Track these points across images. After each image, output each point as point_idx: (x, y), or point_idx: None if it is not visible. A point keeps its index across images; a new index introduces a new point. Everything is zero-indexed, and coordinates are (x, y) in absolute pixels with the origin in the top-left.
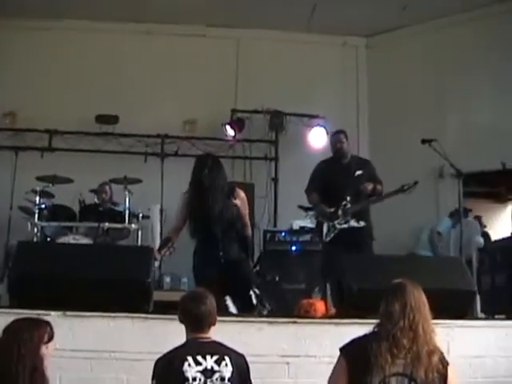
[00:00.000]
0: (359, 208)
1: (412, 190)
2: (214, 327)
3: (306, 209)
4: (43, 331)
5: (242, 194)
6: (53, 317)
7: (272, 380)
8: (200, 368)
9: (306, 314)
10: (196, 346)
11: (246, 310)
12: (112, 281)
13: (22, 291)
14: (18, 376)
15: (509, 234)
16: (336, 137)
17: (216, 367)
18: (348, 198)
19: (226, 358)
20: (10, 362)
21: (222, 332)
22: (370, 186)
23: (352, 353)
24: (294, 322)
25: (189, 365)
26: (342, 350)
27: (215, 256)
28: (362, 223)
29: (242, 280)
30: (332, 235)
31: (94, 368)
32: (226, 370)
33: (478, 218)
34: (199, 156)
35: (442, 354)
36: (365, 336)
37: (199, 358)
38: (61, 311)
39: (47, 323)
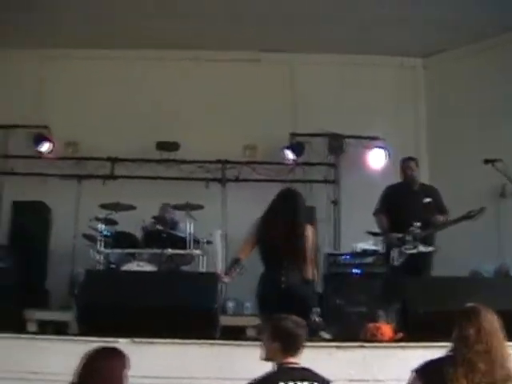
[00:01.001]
0: (428, 234)
1: (479, 217)
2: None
3: (375, 234)
4: (123, 357)
5: (309, 231)
6: (121, 344)
7: None
8: None
9: (373, 338)
10: (288, 372)
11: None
12: (179, 307)
13: (90, 319)
14: None
15: None
16: (407, 164)
17: None
18: (417, 224)
19: None
20: None
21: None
22: (440, 219)
23: (428, 375)
24: (362, 346)
25: None
26: (417, 371)
27: (277, 281)
28: (430, 248)
29: (301, 305)
30: (401, 260)
31: None
32: None
33: None
34: (282, 189)
35: None
36: (440, 359)
37: None
38: (129, 338)
39: (122, 352)
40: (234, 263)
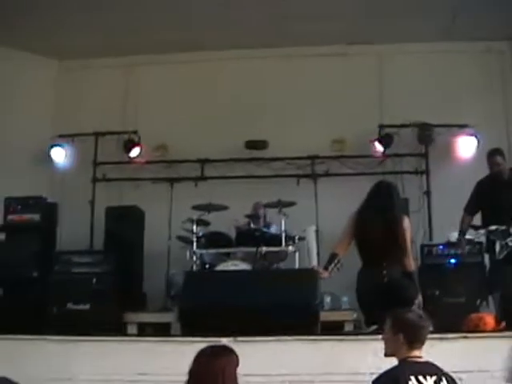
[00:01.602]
0: None
1: None
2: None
3: (477, 227)
4: (234, 355)
5: (406, 223)
6: (224, 343)
7: None
8: None
9: (476, 328)
10: (415, 366)
11: None
12: (280, 305)
13: (192, 319)
14: None
15: None
16: (493, 159)
17: None
18: None
19: (443, 379)
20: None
21: None
22: None
23: None
24: (465, 337)
25: None
26: None
27: (378, 276)
28: None
29: (403, 298)
30: (505, 252)
31: None
32: None
33: None
34: (377, 182)
35: None
36: None
37: (421, 377)
38: (231, 337)
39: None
40: (331, 259)
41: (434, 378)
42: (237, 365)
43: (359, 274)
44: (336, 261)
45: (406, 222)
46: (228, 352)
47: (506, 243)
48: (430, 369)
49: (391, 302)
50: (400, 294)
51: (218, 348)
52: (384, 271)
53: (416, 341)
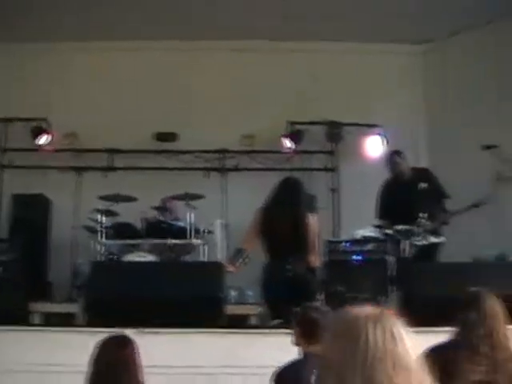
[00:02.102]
0: (437, 225)
1: (485, 205)
2: None
3: (379, 227)
4: (135, 345)
5: (312, 219)
6: (128, 334)
7: None
8: None
9: None
10: (312, 360)
11: None
12: (185, 297)
13: (97, 310)
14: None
15: None
16: (392, 160)
17: None
18: (424, 215)
19: None
20: (114, 374)
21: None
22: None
23: (432, 361)
24: None
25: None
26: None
27: (283, 270)
28: (442, 238)
29: (306, 293)
30: (412, 252)
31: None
32: None
33: None
34: (284, 178)
35: None
36: (444, 344)
37: None
38: (136, 328)
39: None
40: (237, 253)
41: None
42: (138, 354)
43: (264, 267)
44: (244, 255)
45: (312, 218)
46: (131, 341)
47: (413, 242)
48: None
49: (295, 297)
50: (303, 289)
51: (117, 338)
52: (289, 266)
53: (315, 335)
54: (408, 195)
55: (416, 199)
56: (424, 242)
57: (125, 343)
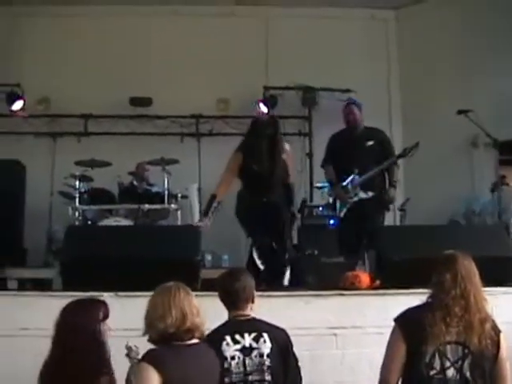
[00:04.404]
0: (367, 178)
1: (414, 152)
2: (253, 304)
3: (319, 188)
4: (97, 309)
5: (288, 148)
6: (105, 298)
7: (320, 352)
8: (238, 346)
9: (352, 286)
10: (234, 325)
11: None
12: (161, 260)
13: (74, 274)
14: (79, 351)
15: None
16: (348, 108)
17: (254, 344)
18: (356, 171)
19: (265, 335)
20: (70, 340)
21: (269, 307)
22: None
23: (407, 323)
24: (341, 295)
25: (227, 344)
26: (396, 320)
27: (259, 199)
28: (370, 193)
29: (280, 224)
30: (344, 210)
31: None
32: (265, 346)
33: None
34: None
35: (493, 321)
36: (418, 306)
37: (237, 336)
38: (113, 292)
39: (102, 302)
40: (210, 201)
41: (254, 334)
42: (98, 316)
43: (239, 194)
44: (215, 203)
45: (288, 148)
46: (90, 306)
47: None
48: (250, 326)
49: (269, 222)
50: (278, 221)
51: (79, 303)
52: (265, 193)
53: (229, 302)
54: (352, 150)
55: (357, 155)
56: (355, 199)
57: (85, 309)
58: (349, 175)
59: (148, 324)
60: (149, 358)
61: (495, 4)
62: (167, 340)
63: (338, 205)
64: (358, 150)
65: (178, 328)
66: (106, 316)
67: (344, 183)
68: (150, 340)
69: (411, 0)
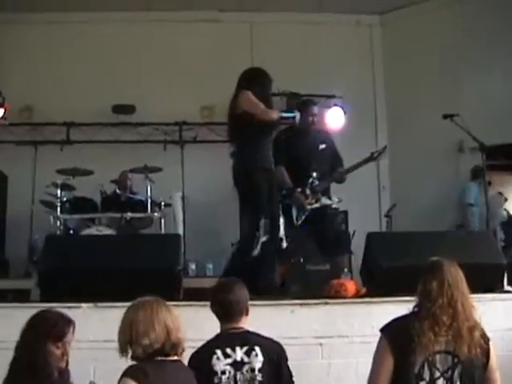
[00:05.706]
0: (328, 184)
1: (382, 157)
2: (247, 317)
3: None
4: (48, 328)
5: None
6: (84, 309)
7: (307, 362)
8: (229, 361)
9: (337, 294)
10: (226, 338)
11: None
12: (142, 270)
13: (52, 285)
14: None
15: None
16: (309, 109)
17: (246, 358)
18: (314, 175)
19: (257, 348)
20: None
21: (254, 316)
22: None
23: (394, 333)
24: (326, 303)
25: (217, 358)
26: (382, 331)
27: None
28: (335, 199)
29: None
30: (303, 217)
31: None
32: (256, 360)
33: (500, 193)
34: None
35: (482, 329)
36: (405, 316)
37: (228, 350)
38: (92, 303)
39: (58, 320)
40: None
41: (245, 348)
42: (47, 335)
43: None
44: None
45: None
46: (35, 321)
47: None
48: (243, 339)
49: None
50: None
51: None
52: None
53: (222, 314)
54: (307, 152)
55: (314, 158)
56: (316, 205)
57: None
58: (304, 179)
59: (129, 341)
60: (132, 372)
61: (480, 9)
62: (151, 356)
63: (294, 212)
64: (313, 153)
65: (164, 344)
66: (59, 336)
67: (300, 189)
68: (134, 356)
69: (396, 5)
